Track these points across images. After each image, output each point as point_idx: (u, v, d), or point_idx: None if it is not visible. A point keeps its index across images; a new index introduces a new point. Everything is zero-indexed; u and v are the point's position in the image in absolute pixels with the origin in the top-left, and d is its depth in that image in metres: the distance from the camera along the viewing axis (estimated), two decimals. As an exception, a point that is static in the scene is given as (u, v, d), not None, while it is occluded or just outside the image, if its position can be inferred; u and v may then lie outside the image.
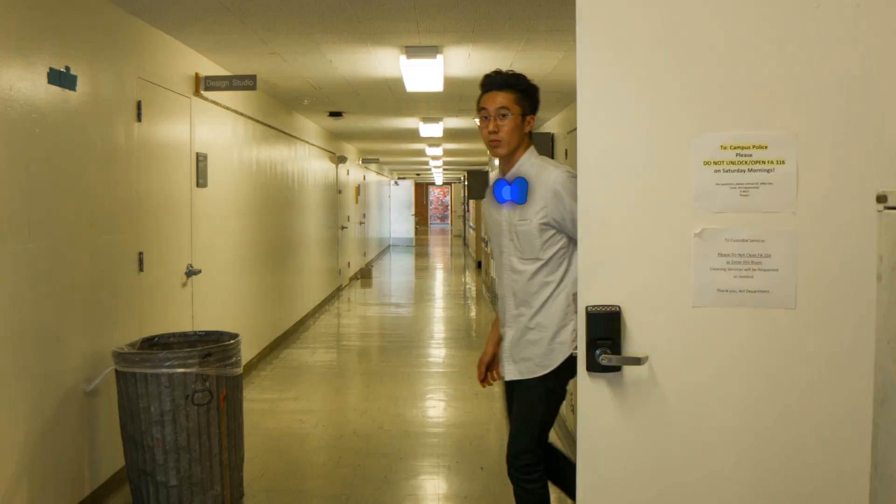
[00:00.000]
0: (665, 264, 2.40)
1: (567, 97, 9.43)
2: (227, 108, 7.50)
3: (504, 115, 3.44)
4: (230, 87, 6.80)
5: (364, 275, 18.02)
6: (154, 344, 4.93)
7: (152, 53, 5.73)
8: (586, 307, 2.37)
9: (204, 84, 6.66)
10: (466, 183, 28.44)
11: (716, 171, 2.45)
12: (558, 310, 3.38)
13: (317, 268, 12.81)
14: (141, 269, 5.35)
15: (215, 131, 7.16)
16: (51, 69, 4.22)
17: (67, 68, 4.38)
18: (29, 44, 4.06)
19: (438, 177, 33.84)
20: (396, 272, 20.94)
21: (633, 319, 2.37)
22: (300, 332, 10.76)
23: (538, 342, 3.39)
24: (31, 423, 4.07)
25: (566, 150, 10.83)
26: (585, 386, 2.40)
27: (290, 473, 5.38)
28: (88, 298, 4.67)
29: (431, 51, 6.47)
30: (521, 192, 3.39)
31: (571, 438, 5.44)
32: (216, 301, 7.12)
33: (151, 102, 5.57)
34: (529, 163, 3.46)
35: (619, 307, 2.36)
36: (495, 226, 3.54)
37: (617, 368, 2.37)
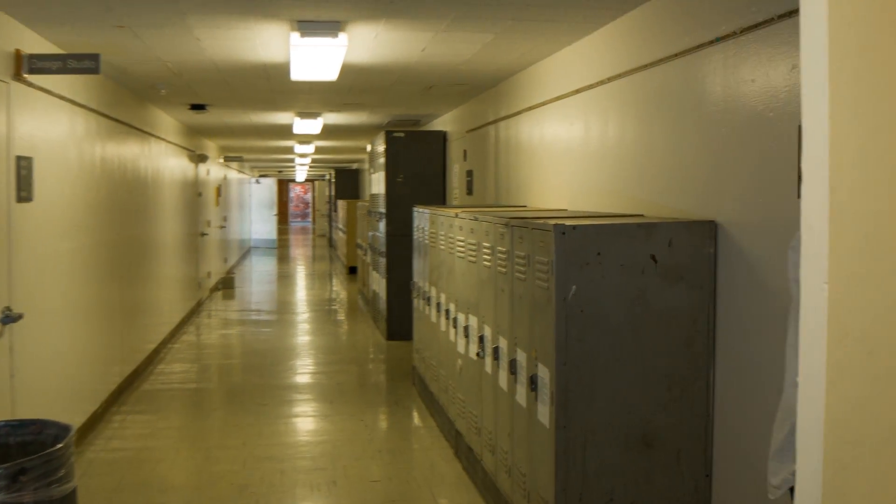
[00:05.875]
0: None
1: (474, 90, 8.15)
2: (63, 98, 5.85)
3: None
4: (64, 70, 5.18)
5: (226, 285, 16.30)
6: (-57, 443, 3.34)
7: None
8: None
9: (28, 65, 5.03)
10: (334, 182, 27.05)
11: None
12: None
13: (174, 283, 11.11)
14: (-72, 326, 3.73)
15: (45, 127, 5.52)
16: None
17: None
18: None
19: (301, 174, 32.14)
20: (262, 281, 19.22)
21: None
22: (157, 363, 9.09)
23: None
24: None
25: (465, 151, 9.59)
26: None
27: None
28: None
29: (332, 28, 5.05)
30: None
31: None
32: (46, 352, 5.47)
33: (-55, 87, 3.95)
34: None
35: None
36: None
37: None
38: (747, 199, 3.63)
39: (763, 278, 3.52)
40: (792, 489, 2.24)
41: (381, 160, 10.79)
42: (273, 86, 7.78)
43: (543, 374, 3.90)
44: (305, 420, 7.13)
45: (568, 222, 3.83)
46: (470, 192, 9.32)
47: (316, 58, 5.58)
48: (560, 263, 3.74)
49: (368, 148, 13.42)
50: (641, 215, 4.55)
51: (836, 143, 1.23)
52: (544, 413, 3.91)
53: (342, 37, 5.19)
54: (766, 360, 3.53)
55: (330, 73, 6.20)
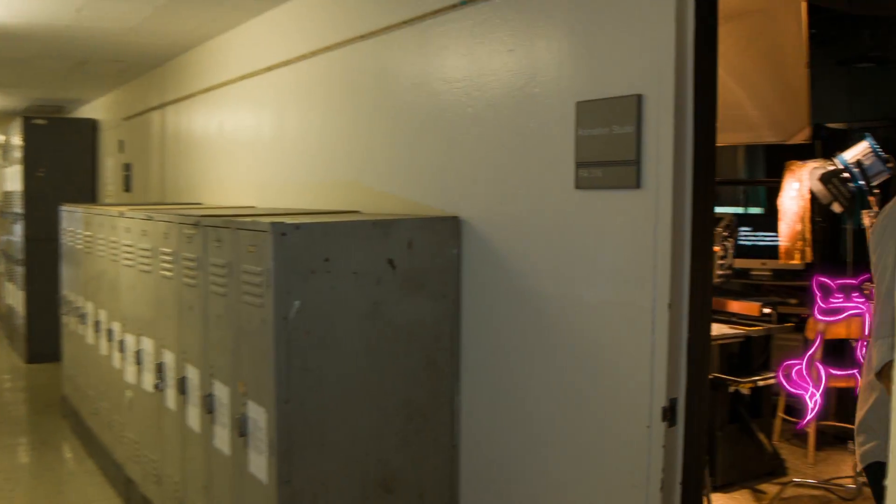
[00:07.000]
0: None
1: (137, 69, 7.02)
2: None
3: None
4: None
5: None
6: None
7: None
8: None
9: None
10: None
11: None
12: None
13: None
14: None
15: None
16: None
17: None
18: None
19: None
20: None
21: None
22: None
23: None
24: None
25: (121, 142, 8.34)
26: None
27: None
28: None
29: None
30: None
31: None
32: None
33: None
34: None
35: None
36: None
37: None
38: (498, 189, 3.06)
39: (513, 281, 2.99)
40: (872, 464, 2.31)
41: (18, 153, 9.20)
42: None
43: (257, 414, 3.07)
44: (-79, 476, 5.62)
45: (287, 220, 3.03)
46: (128, 188, 8.13)
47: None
48: (280, 273, 2.92)
49: (1, 139, 11.54)
50: (358, 212, 3.86)
51: None
52: (260, 465, 3.07)
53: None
54: (516, 376, 3.00)
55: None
